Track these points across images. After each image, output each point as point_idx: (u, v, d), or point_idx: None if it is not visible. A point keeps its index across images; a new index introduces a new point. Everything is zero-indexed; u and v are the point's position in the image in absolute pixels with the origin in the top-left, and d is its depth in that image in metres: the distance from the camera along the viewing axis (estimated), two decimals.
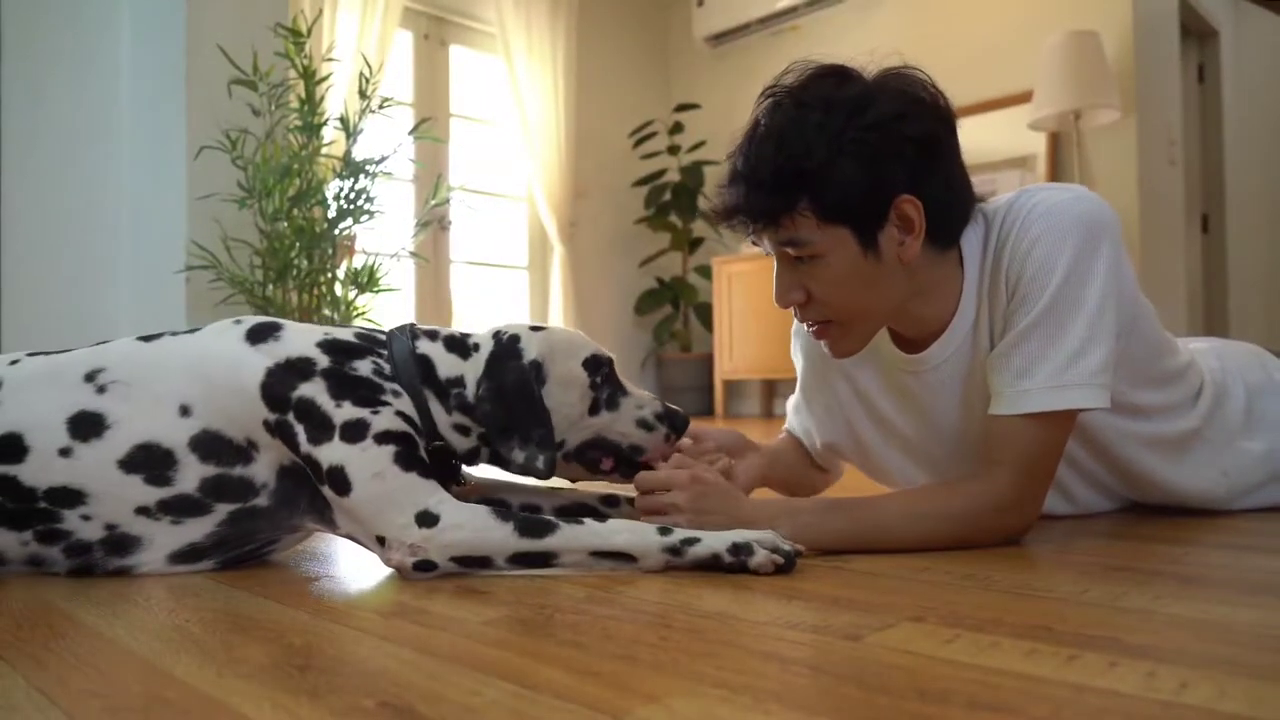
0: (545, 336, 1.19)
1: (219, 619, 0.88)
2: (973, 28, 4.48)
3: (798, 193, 1.06)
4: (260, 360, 1.09)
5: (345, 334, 1.16)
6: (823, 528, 1.10)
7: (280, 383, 1.07)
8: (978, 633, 0.75)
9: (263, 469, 1.09)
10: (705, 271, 5.28)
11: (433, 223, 4.29)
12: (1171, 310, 4.27)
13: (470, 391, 1.15)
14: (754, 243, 1.15)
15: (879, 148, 1.04)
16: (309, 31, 2.88)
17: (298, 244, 2.81)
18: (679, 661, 0.70)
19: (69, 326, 3.05)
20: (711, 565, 1.01)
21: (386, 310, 3.27)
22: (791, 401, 1.46)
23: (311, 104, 2.84)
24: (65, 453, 1.06)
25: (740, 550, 1.00)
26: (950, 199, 1.10)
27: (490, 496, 1.27)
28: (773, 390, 5.38)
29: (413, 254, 3.14)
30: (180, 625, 0.86)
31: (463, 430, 1.16)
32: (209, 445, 1.08)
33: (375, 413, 1.06)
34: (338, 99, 3.77)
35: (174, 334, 1.16)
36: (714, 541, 1.01)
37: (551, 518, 1.04)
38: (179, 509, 1.08)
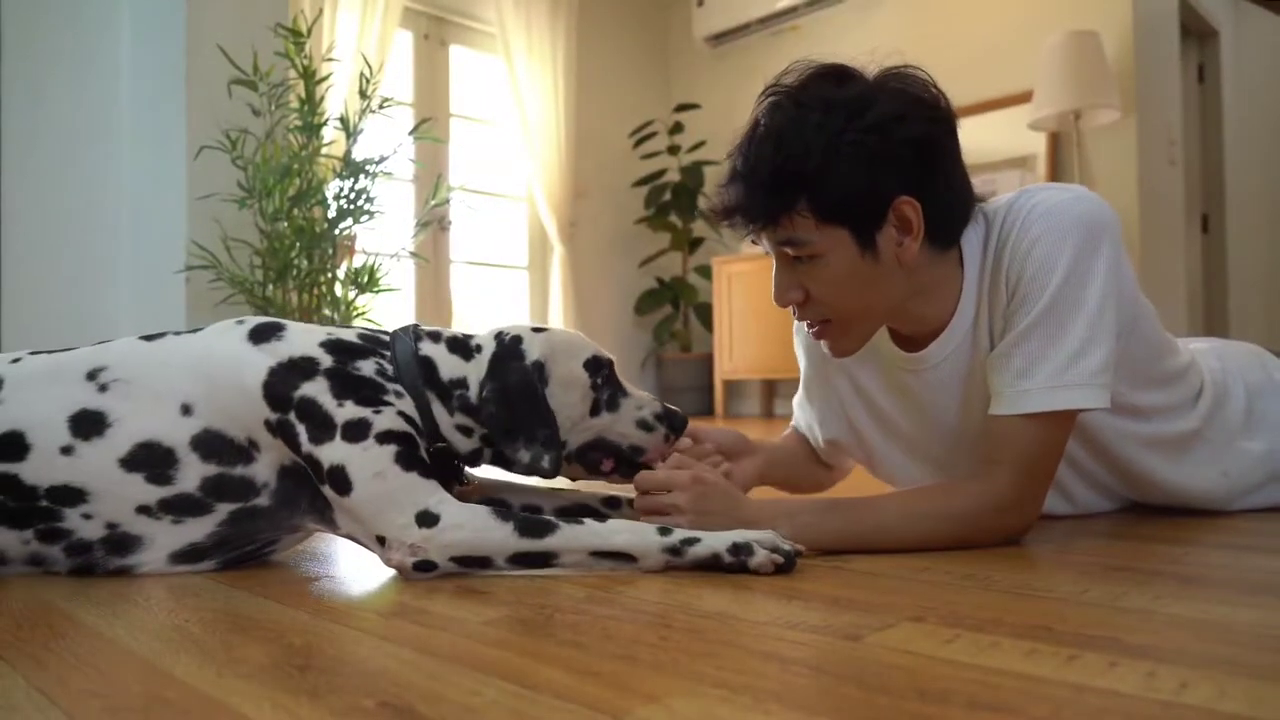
0: (547, 337, 1.19)
1: (219, 619, 0.88)
2: (973, 28, 4.48)
3: (796, 193, 1.06)
4: (263, 360, 1.09)
5: (348, 334, 1.16)
6: (822, 528, 1.10)
7: (282, 382, 1.07)
8: (978, 633, 0.75)
9: (263, 469, 1.09)
10: (705, 271, 5.28)
11: (433, 223, 4.29)
12: (1171, 310, 4.27)
13: (473, 393, 1.15)
14: (754, 241, 1.15)
15: (877, 149, 1.04)
16: (309, 31, 2.88)
17: (298, 244, 2.82)
18: (679, 661, 0.70)
19: (69, 326, 3.05)
20: (711, 565, 1.01)
21: (387, 310, 3.27)
22: (796, 397, 1.46)
23: (311, 104, 2.84)
24: (67, 451, 1.06)
25: (740, 550, 1.00)
26: (950, 200, 1.10)
27: (492, 497, 1.27)
28: (773, 390, 5.38)
29: (413, 254, 3.14)
30: (180, 625, 0.86)
31: (465, 431, 1.16)
32: (210, 444, 1.08)
33: (377, 412, 1.07)
34: (338, 99, 3.77)
35: (176, 334, 1.16)
36: (714, 542, 1.01)
37: (551, 518, 1.04)
38: (180, 508, 1.08)
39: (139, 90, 3.08)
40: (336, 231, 2.90)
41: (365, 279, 2.92)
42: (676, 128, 5.41)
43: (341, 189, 2.91)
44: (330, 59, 3.45)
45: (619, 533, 1.03)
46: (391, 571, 1.06)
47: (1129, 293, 1.13)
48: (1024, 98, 4.12)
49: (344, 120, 2.92)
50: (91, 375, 1.10)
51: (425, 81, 4.87)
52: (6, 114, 3.16)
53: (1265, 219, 5.67)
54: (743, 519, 1.08)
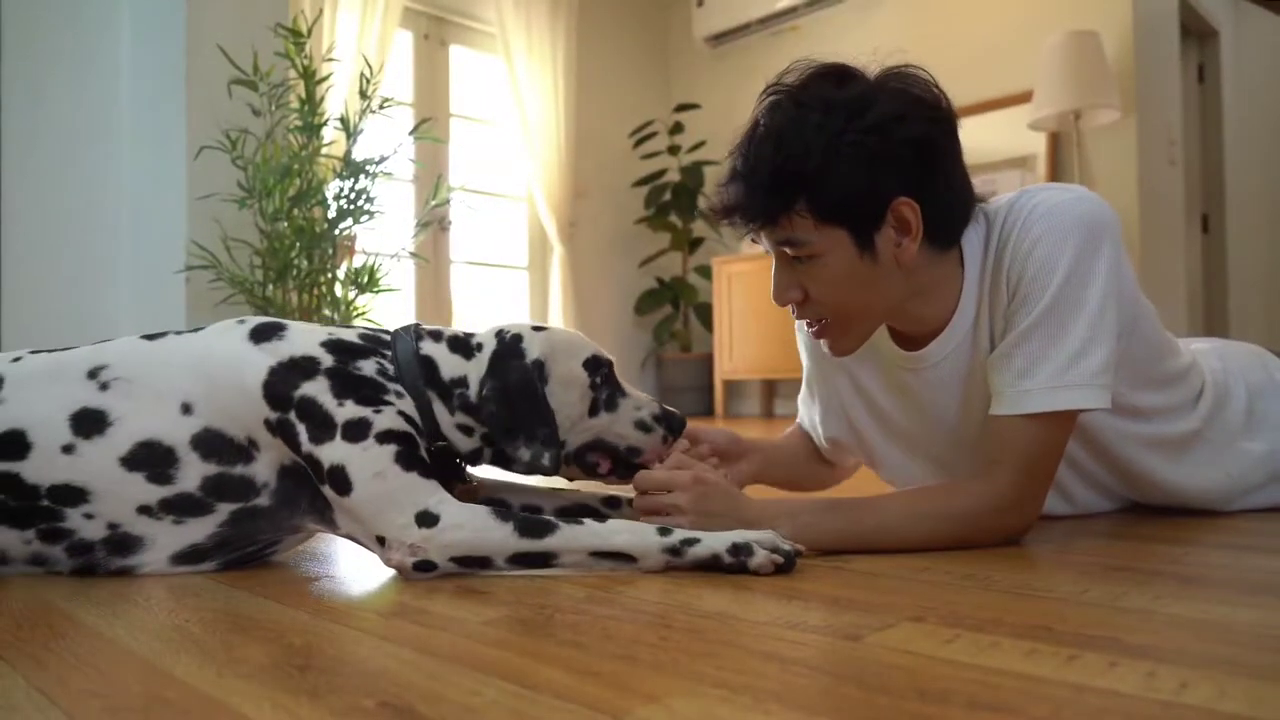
0: (547, 336, 1.19)
1: (219, 619, 0.88)
2: (973, 28, 4.48)
3: (795, 193, 1.06)
4: (263, 359, 1.09)
5: (349, 334, 1.16)
6: (822, 528, 1.10)
7: (283, 381, 1.07)
8: (978, 633, 0.75)
9: (263, 468, 1.09)
10: (705, 271, 5.28)
11: (433, 223, 4.29)
12: (1171, 310, 4.27)
13: (473, 391, 1.15)
14: (753, 240, 1.15)
15: (877, 150, 1.04)
16: (309, 32, 2.88)
17: (298, 244, 2.81)
18: (679, 661, 0.70)
19: (69, 326, 3.05)
20: (711, 566, 1.01)
21: (387, 311, 3.27)
22: (801, 394, 1.46)
23: (312, 104, 2.84)
24: (68, 450, 1.06)
25: (740, 551, 1.00)
26: (950, 201, 1.10)
27: (492, 497, 1.27)
28: (773, 390, 5.38)
29: (413, 254, 3.13)
30: (180, 625, 0.86)
31: (466, 430, 1.16)
32: (210, 443, 1.08)
33: (377, 412, 1.07)
34: (338, 99, 3.77)
35: (177, 333, 1.16)
36: (714, 542, 1.01)
37: (551, 518, 1.04)
38: (180, 508, 1.08)
39: (139, 90, 3.08)
40: (336, 232, 2.90)
41: (365, 279, 2.92)
42: (676, 128, 5.41)
43: (341, 189, 2.91)
44: (330, 59, 3.45)
45: (619, 533, 1.03)
46: (391, 571, 1.06)
47: (1129, 293, 1.13)
48: (1024, 98, 4.12)
49: (344, 120, 2.92)
50: (92, 374, 1.10)
51: (425, 81, 4.87)
52: (6, 114, 3.16)
53: (1265, 219, 5.67)
54: (743, 519, 1.08)
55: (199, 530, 1.09)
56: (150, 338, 1.15)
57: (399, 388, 1.12)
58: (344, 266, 3.02)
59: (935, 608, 0.84)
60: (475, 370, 1.16)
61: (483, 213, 5.11)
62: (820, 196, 1.06)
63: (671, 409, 1.24)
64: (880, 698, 0.61)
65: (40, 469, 1.06)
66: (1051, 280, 1.07)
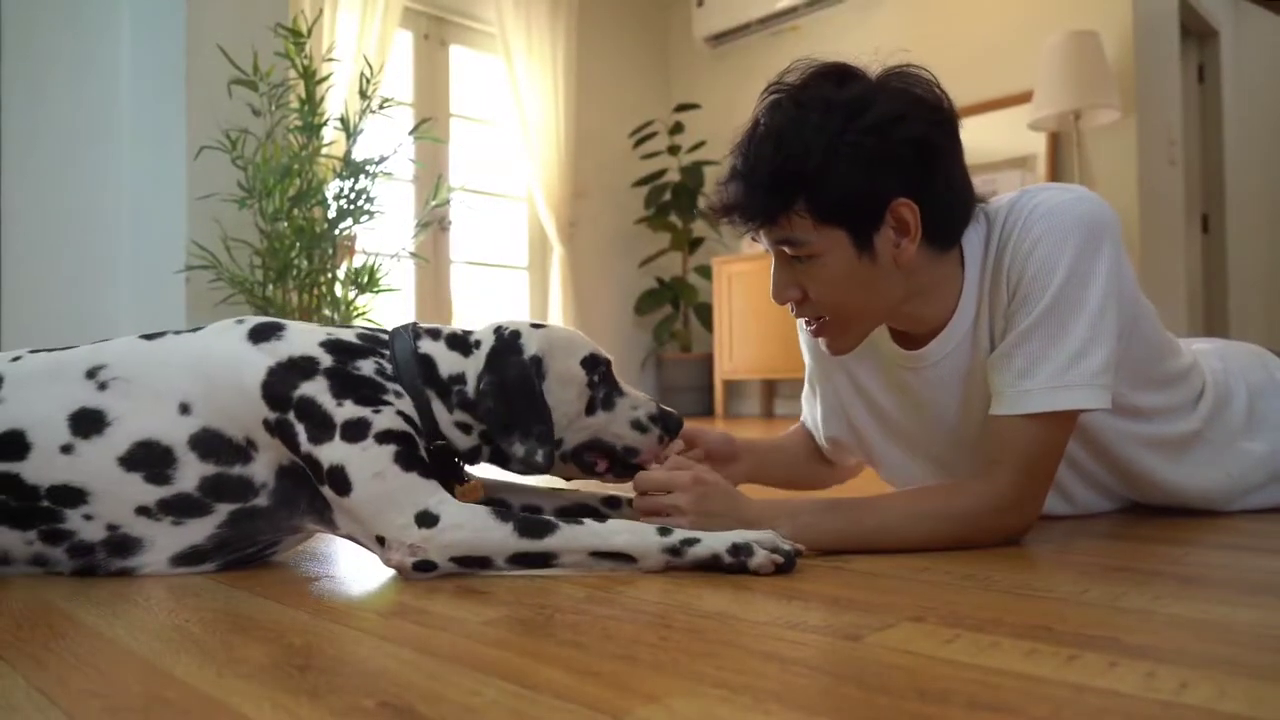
0: (546, 334, 1.19)
1: (219, 619, 0.88)
2: (973, 28, 4.48)
3: (794, 193, 1.06)
4: (262, 359, 1.09)
5: (348, 334, 1.16)
6: (822, 527, 1.10)
7: (281, 382, 1.07)
8: (978, 633, 0.75)
9: (262, 468, 1.09)
10: (705, 271, 5.28)
11: (433, 223, 4.29)
12: (1171, 310, 4.27)
13: (471, 388, 1.15)
14: (753, 239, 1.15)
15: (876, 151, 1.04)
16: (309, 32, 2.88)
17: (298, 244, 2.81)
18: (679, 661, 0.70)
19: (69, 326, 3.05)
20: (711, 566, 1.01)
21: (387, 311, 3.27)
22: (804, 392, 1.46)
23: (312, 104, 2.84)
24: (66, 450, 1.06)
25: (740, 551, 1.00)
26: (950, 202, 1.10)
27: (492, 496, 1.27)
28: (773, 390, 5.38)
29: (413, 254, 3.14)
30: (180, 625, 0.86)
31: (464, 428, 1.16)
32: (208, 443, 1.08)
33: (376, 412, 1.06)
34: (338, 99, 3.77)
35: (176, 333, 1.16)
36: (714, 542, 1.01)
37: (551, 518, 1.04)
38: (179, 509, 1.08)
39: (139, 90, 3.08)
40: (336, 232, 2.90)
41: (365, 279, 2.92)
42: (676, 128, 5.41)
43: (341, 189, 2.91)
44: (330, 59, 3.45)
45: (619, 533, 1.03)
46: (391, 571, 1.06)
47: (1129, 293, 1.13)
48: (1024, 98, 4.12)
49: (344, 120, 2.92)
50: (91, 374, 1.10)
51: (425, 81, 4.87)
52: (6, 114, 3.16)
53: (1265, 219, 5.67)
54: (744, 519, 1.08)
55: (198, 531, 1.09)
56: (149, 337, 1.15)
57: (397, 387, 1.12)
58: (344, 266, 3.02)
59: (935, 608, 0.84)
60: (473, 367, 1.16)
61: (483, 213, 5.11)
62: (819, 196, 1.06)
63: (669, 409, 1.24)
64: (880, 698, 0.61)
65: (40, 469, 1.06)
66: (1052, 280, 1.07)
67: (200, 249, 2.76)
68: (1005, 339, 1.12)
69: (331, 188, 2.92)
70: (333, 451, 1.04)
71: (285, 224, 2.82)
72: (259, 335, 1.12)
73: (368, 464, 1.03)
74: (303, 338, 1.12)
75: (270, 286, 2.84)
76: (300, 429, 1.05)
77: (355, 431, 1.04)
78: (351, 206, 2.90)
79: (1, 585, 1.05)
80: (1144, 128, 4.08)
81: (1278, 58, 5.62)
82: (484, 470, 1.26)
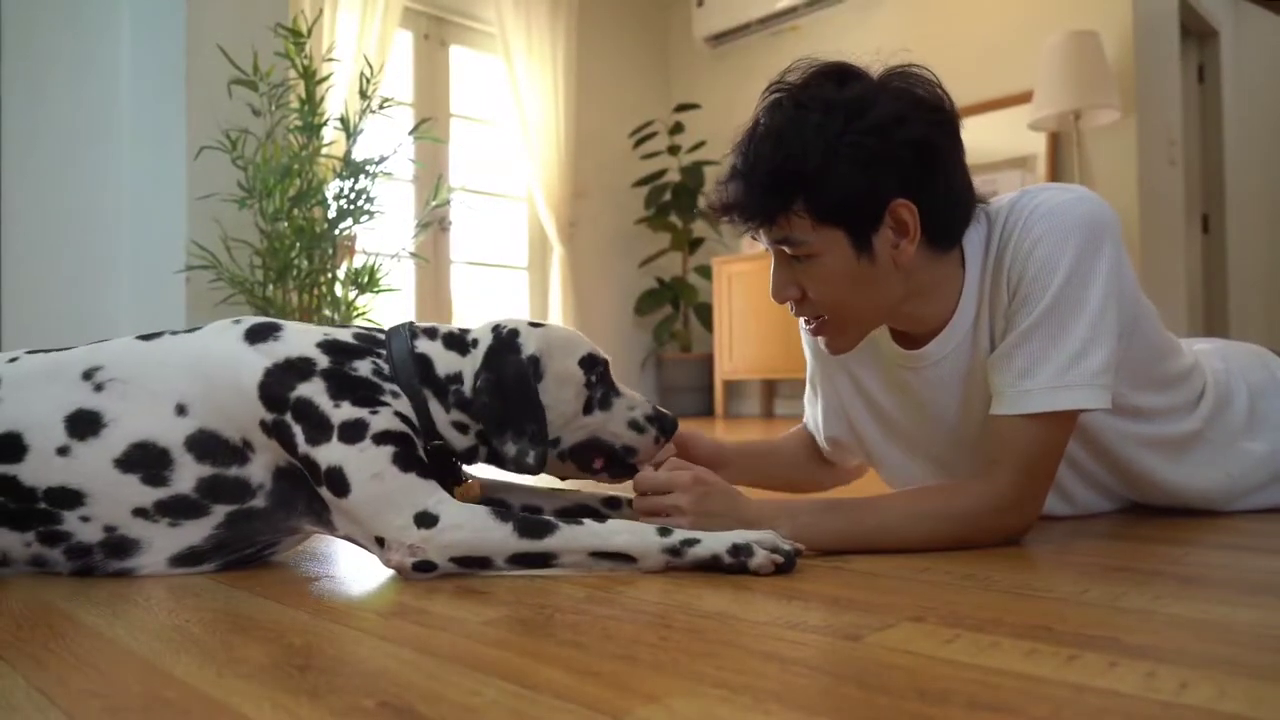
0: (544, 333, 1.19)
1: (219, 619, 0.88)
2: (973, 28, 4.48)
3: (793, 193, 1.06)
4: (259, 360, 1.09)
5: (344, 334, 1.16)
6: (823, 528, 1.10)
7: (279, 383, 1.07)
8: (978, 633, 0.75)
9: (259, 470, 1.09)
10: (705, 271, 5.28)
11: (433, 223, 4.29)
12: (1172, 310, 4.27)
13: (468, 387, 1.15)
14: (753, 238, 1.15)
15: (875, 152, 1.04)
16: (309, 32, 2.88)
17: (298, 244, 2.82)
18: (679, 661, 0.70)
19: (69, 326, 3.05)
20: (711, 566, 1.01)
21: (387, 311, 3.27)
22: (806, 393, 1.46)
23: (312, 104, 2.84)
24: (63, 452, 1.06)
25: (740, 551, 1.00)
26: (950, 203, 1.10)
27: (491, 496, 1.27)
28: (773, 390, 5.38)
29: (413, 254, 3.14)
30: (180, 625, 0.86)
31: (461, 428, 1.16)
32: (205, 445, 1.08)
33: (374, 413, 1.06)
34: (338, 99, 3.77)
35: (173, 333, 1.16)
36: (714, 543, 1.01)
37: (551, 518, 1.04)
38: (176, 510, 1.07)
39: (139, 90, 3.08)
40: (336, 232, 2.90)
41: (365, 279, 2.92)
42: (676, 128, 5.41)
43: (341, 189, 2.91)
44: (330, 59, 3.45)
45: (619, 533, 1.03)
46: (391, 571, 1.06)
47: (1130, 293, 1.13)
48: (1024, 98, 4.13)
49: (344, 120, 2.92)
50: (87, 375, 1.10)
51: (425, 81, 4.87)
52: (6, 114, 3.16)
53: (1265, 219, 5.67)
54: (744, 519, 1.08)
55: (195, 532, 1.09)
56: (146, 338, 1.15)
57: (394, 387, 1.12)
58: (344, 266, 3.02)
59: (935, 608, 0.84)
60: (470, 366, 1.16)
61: (483, 213, 5.11)
62: (818, 197, 1.06)
63: (664, 411, 1.25)
64: (880, 698, 0.61)
65: (37, 471, 1.06)
66: (1052, 280, 1.07)
67: (200, 249, 2.76)
68: (1006, 339, 1.12)
69: (331, 188, 2.92)
70: (330, 453, 1.04)
71: (285, 224, 2.82)
72: (256, 336, 1.12)
73: (366, 465, 1.03)
74: (299, 338, 1.12)
75: (270, 287, 2.85)
76: (297, 430, 1.05)
77: (353, 433, 1.04)
78: (351, 206, 2.90)
79: (1, 585, 1.05)
80: (1144, 128, 4.08)
81: (1278, 58, 5.62)
82: (483, 471, 1.26)
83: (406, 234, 3.25)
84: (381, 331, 1.19)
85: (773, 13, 5.14)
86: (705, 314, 5.38)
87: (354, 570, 1.13)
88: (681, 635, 0.77)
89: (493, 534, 1.01)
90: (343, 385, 1.08)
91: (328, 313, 2.92)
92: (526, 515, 1.04)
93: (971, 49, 4.39)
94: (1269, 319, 5.62)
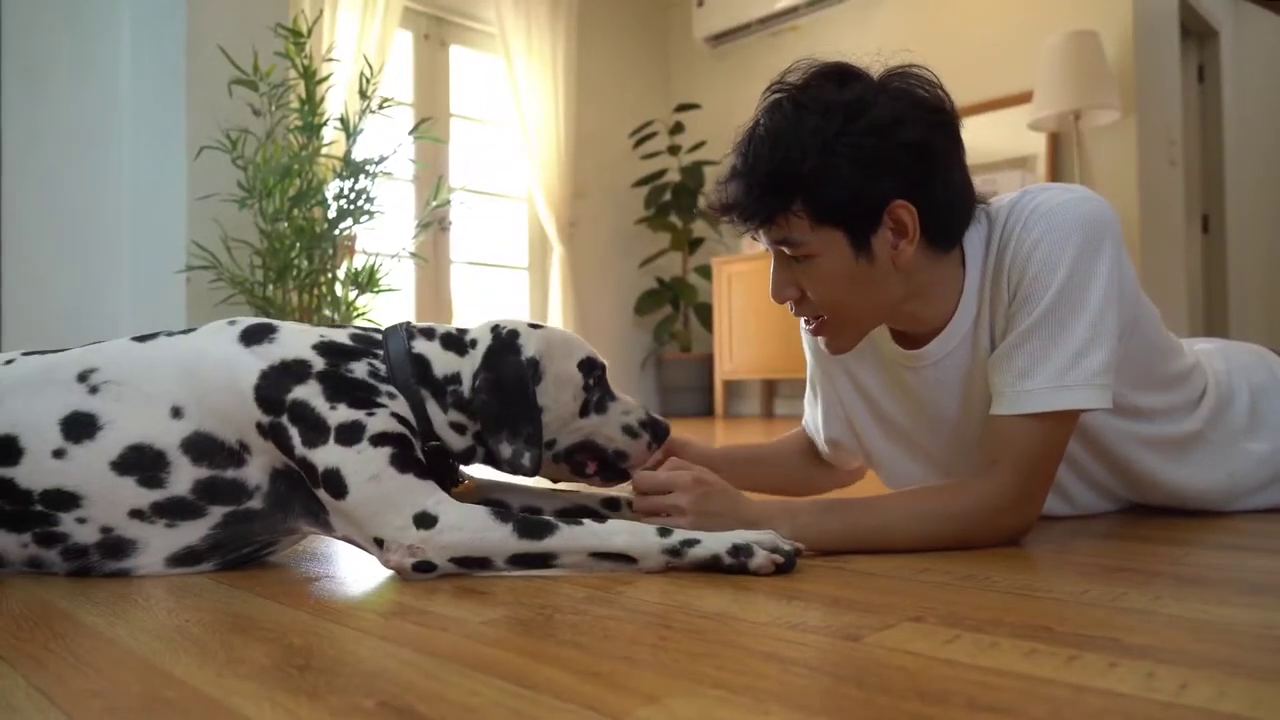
0: (544, 335, 1.19)
1: (219, 619, 0.88)
2: (973, 28, 4.48)
3: (791, 194, 1.06)
4: (254, 362, 1.08)
5: (340, 335, 1.16)
6: (823, 528, 1.10)
7: (274, 385, 1.07)
8: (978, 633, 0.75)
9: (255, 471, 1.09)
10: (705, 271, 5.28)
11: (433, 223, 4.29)
12: (1172, 310, 4.27)
13: (466, 387, 1.14)
14: (753, 238, 1.15)
15: (873, 153, 1.04)
16: (309, 32, 2.88)
17: (298, 244, 2.82)
18: (679, 662, 0.70)
19: (69, 326, 3.06)
20: (711, 566, 1.01)
21: (387, 311, 3.27)
22: (806, 394, 1.46)
23: (312, 104, 2.84)
24: (58, 454, 1.06)
25: (740, 552, 1.00)
26: (949, 203, 1.10)
27: (490, 497, 1.27)
28: (773, 390, 5.38)
29: (413, 254, 3.14)
30: (180, 625, 0.86)
31: (459, 429, 1.16)
32: (201, 447, 1.08)
33: (370, 414, 1.06)
34: (338, 99, 3.77)
35: (169, 334, 1.15)
36: (714, 543, 1.01)
37: (551, 519, 1.04)
38: (172, 511, 1.07)
39: (139, 90, 3.08)
40: (337, 232, 2.90)
41: (365, 279, 2.92)
42: (677, 128, 5.41)
43: (341, 189, 2.91)
44: (330, 59, 3.46)
45: (618, 534, 1.03)
46: (391, 571, 1.06)
47: (1130, 293, 1.13)
48: (1024, 98, 4.13)
49: (344, 120, 2.92)
50: (82, 377, 1.10)
51: (425, 81, 4.87)
52: (6, 114, 3.16)
53: (1265, 219, 5.67)
54: (744, 519, 1.08)
55: (192, 533, 1.09)
56: (141, 339, 1.14)
57: (391, 388, 1.12)
58: (344, 267, 3.02)
59: (935, 608, 0.84)
60: (469, 367, 1.16)
61: (483, 213, 5.11)
62: (816, 198, 1.06)
63: (657, 416, 1.25)
64: (880, 698, 0.61)
65: (32, 474, 1.05)
66: (1052, 280, 1.07)
67: (200, 249, 2.76)
68: (1006, 339, 1.12)
69: (331, 188, 2.92)
70: (327, 455, 1.03)
71: (285, 224, 2.83)
72: (251, 338, 1.11)
73: (363, 467, 1.03)
74: (295, 340, 1.12)
75: (270, 287, 2.85)
76: (294, 433, 1.05)
77: (349, 435, 1.04)
78: (351, 206, 2.90)
79: (1, 585, 1.05)
80: (1144, 128, 4.08)
81: (1278, 58, 5.62)
82: (482, 472, 1.26)
83: (406, 234, 3.25)
84: (379, 332, 1.19)
85: (773, 13, 5.14)
86: (705, 314, 5.38)
87: (354, 570, 1.13)
88: (681, 635, 0.77)
89: (492, 534, 1.01)
90: (339, 387, 1.08)
91: (328, 313, 2.92)
92: (526, 516, 1.04)
93: (971, 49, 4.39)
94: (1269, 319, 5.62)
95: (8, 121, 3.16)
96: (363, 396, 1.08)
